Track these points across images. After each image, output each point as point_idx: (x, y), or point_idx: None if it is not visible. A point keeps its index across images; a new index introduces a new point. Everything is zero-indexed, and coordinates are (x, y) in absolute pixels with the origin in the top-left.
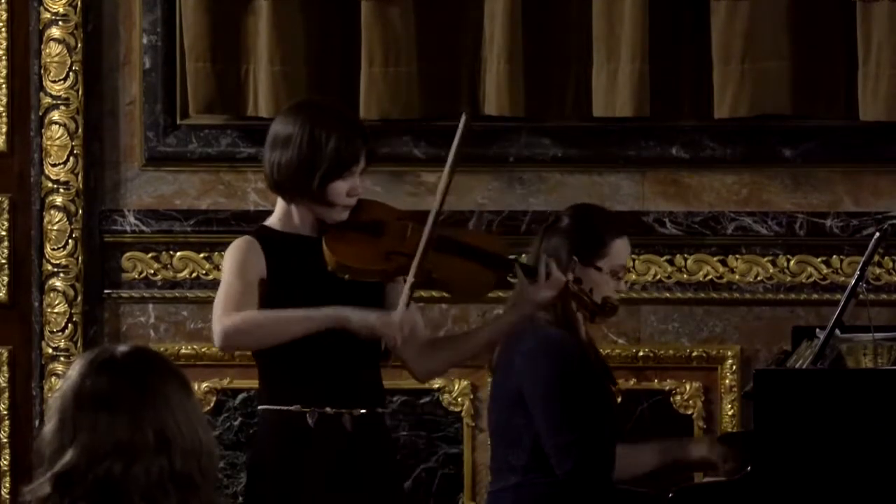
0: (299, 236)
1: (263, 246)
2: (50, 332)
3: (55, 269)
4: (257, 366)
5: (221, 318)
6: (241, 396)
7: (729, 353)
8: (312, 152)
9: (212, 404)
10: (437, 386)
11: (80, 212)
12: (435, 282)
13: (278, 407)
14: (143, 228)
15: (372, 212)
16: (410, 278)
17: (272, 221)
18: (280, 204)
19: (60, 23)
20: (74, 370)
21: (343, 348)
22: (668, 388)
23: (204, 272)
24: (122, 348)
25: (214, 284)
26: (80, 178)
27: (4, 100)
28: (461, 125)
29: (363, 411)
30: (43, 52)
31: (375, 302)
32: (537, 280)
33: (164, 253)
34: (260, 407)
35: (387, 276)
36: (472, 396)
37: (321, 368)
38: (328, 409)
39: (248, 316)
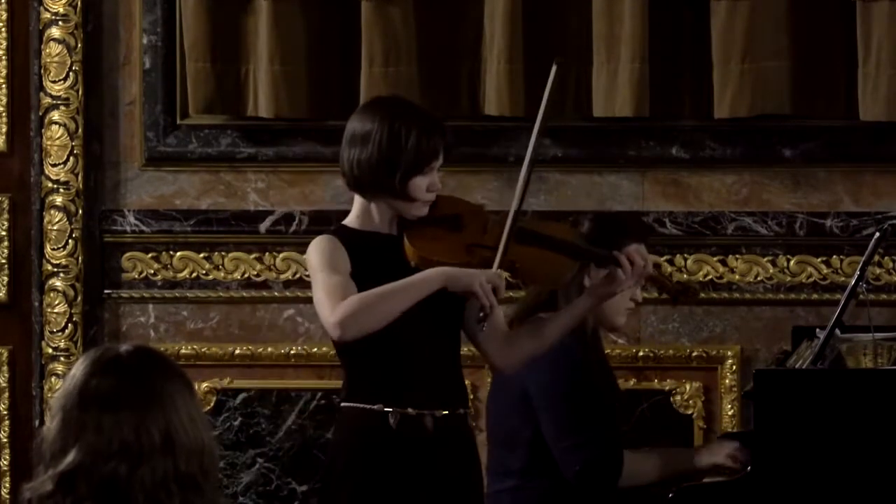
0: (379, 234)
1: (345, 244)
2: (50, 332)
3: (55, 269)
4: (341, 362)
5: (333, 312)
6: (241, 396)
7: (729, 353)
8: (393, 148)
9: (212, 404)
10: None
11: (80, 212)
12: (517, 271)
13: (360, 405)
14: (143, 228)
15: (449, 206)
16: (495, 268)
17: (350, 220)
18: (358, 202)
19: (60, 23)
20: (78, 369)
21: (427, 348)
22: (668, 388)
23: (204, 272)
24: (126, 347)
25: (214, 284)
26: (80, 178)
27: (4, 100)
28: (552, 76)
29: (445, 412)
30: (43, 52)
31: (457, 297)
32: (621, 266)
33: (164, 253)
34: (342, 403)
35: (470, 268)
36: (472, 396)
37: (404, 368)
38: (410, 410)
39: (356, 300)
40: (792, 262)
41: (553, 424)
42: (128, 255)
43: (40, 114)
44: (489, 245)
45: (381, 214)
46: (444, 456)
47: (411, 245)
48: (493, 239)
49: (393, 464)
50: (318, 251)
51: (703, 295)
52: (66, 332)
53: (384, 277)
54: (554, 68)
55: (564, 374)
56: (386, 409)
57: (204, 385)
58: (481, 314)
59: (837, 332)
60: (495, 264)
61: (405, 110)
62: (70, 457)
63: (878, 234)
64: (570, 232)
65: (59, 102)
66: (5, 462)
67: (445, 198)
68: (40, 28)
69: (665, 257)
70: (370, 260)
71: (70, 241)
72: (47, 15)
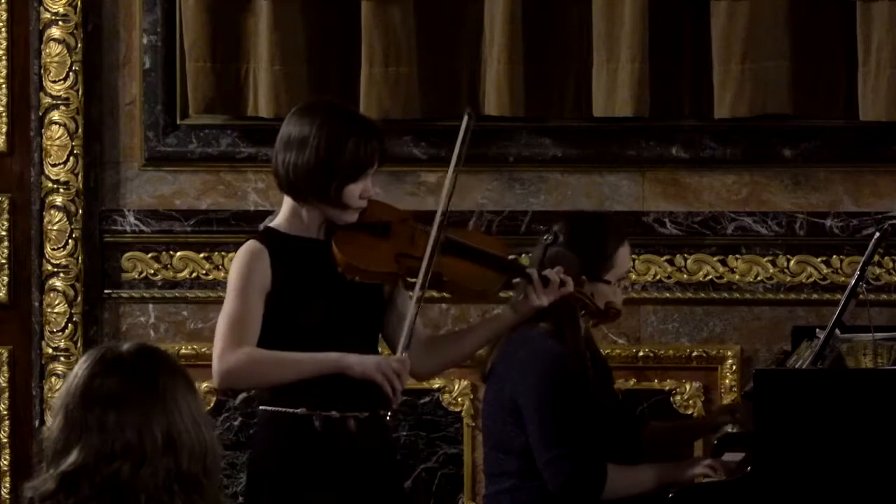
0: (307, 239)
1: (270, 251)
2: (50, 332)
3: (55, 269)
4: None
5: (221, 359)
6: (241, 396)
7: (729, 353)
8: (330, 154)
9: (212, 404)
10: (437, 386)
11: (80, 212)
12: (444, 284)
13: (283, 409)
14: (143, 228)
15: (378, 213)
16: (418, 290)
17: (278, 223)
18: (288, 204)
19: (60, 23)
20: (80, 369)
21: (345, 351)
22: (668, 388)
23: (204, 272)
24: (128, 347)
25: (214, 284)
26: (80, 178)
27: (4, 100)
28: (464, 125)
29: (367, 414)
30: (43, 52)
31: (380, 303)
32: (545, 283)
33: (164, 253)
34: (261, 407)
35: (396, 278)
36: (472, 396)
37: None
38: (334, 413)
39: (248, 358)
40: (792, 262)
41: (538, 435)
42: (128, 255)
43: (40, 114)
44: (417, 255)
45: (311, 219)
46: (367, 456)
47: (339, 251)
48: (420, 249)
49: (319, 466)
50: (236, 266)
51: (703, 295)
52: (66, 332)
53: (312, 283)
54: (466, 119)
55: (552, 385)
56: (310, 413)
57: (204, 385)
58: (387, 399)
59: (837, 332)
60: (420, 275)
61: (343, 116)
62: (73, 456)
63: (878, 234)
64: (496, 244)
65: (59, 102)
66: (5, 462)
67: (376, 203)
68: (40, 28)
69: (665, 257)
70: (298, 265)
71: (70, 241)
72: (47, 15)
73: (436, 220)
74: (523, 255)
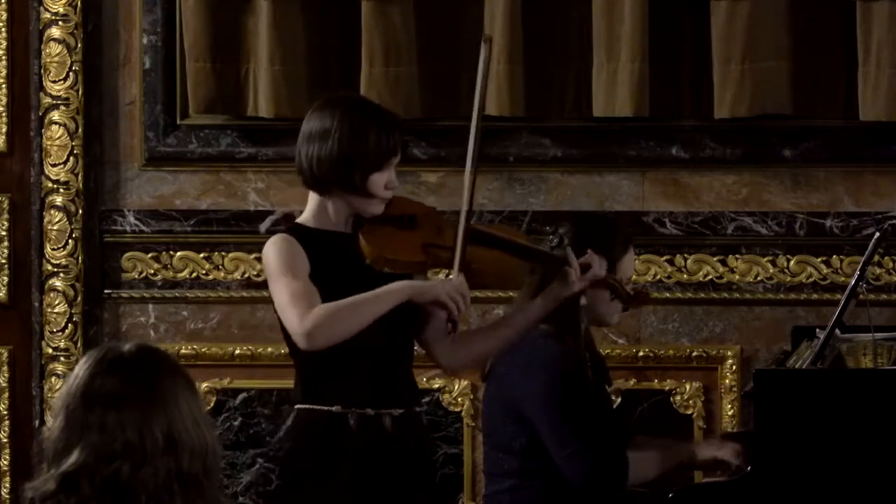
0: (334, 232)
1: (302, 243)
2: (50, 332)
3: (55, 269)
4: (294, 364)
5: (301, 322)
6: (241, 396)
7: (729, 353)
8: (353, 144)
9: (212, 404)
10: (437, 386)
11: (80, 212)
12: (472, 273)
13: (318, 407)
14: (143, 228)
15: (403, 206)
16: (456, 269)
17: (305, 219)
18: (313, 200)
19: (60, 23)
20: (81, 369)
21: (383, 348)
22: (668, 388)
23: (204, 272)
24: (129, 347)
25: (214, 284)
26: (80, 178)
27: (4, 100)
28: (483, 55)
29: (401, 411)
30: (43, 52)
31: (412, 302)
32: (573, 269)
33: (164, 253)
34: (296, 406)
35: (425, 267)
36: (472, 396)
37: (361, 369)
38: (369, 411)
39: (325, 311)
40: (792, 262)
41: (552, 435)
42: (128, 255)
43: (40, 114)
44: (444, 245)
45: (338, 212)
46: (402, 454)
47: (367, 242)
48: (448, 239)
49: (354, 464)
50: (276, 253)
51: (703, 295)
52: (66, 332)
53: (341, 276)
54: (483, 47)
55: (557, 383)
56: (345, 410)
57: (204, 385)
58: (449, 324)
59: (837, 332)
60: (456, 264)
61: (364, 107)
62: (73, 456)
63: (878, 234)
64: (521, 234)
65: (59, 102)
66: (5, 462)
67: (399, 198)
68: (40, 28)
69: (665, 257)
70: (327, 259)
71: (70, 241)
72: (47, 15)
73: (463, 211)
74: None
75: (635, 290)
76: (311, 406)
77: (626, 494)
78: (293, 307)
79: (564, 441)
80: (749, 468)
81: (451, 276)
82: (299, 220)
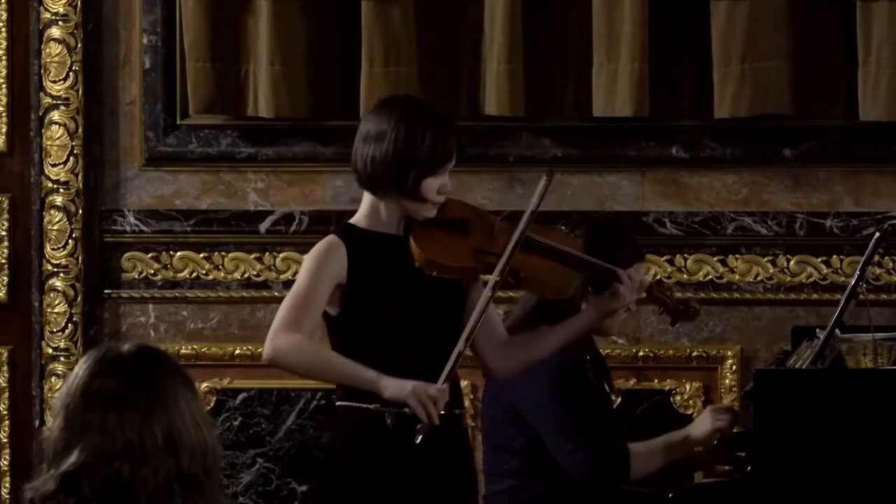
0: (386, 234)
1: (348, 246)
2: (50, 332)
3: (55, 269)
4: None
5: (277, 335)
6: (241, 396)
7: (729, 353)
8: (408, 148)
9: (212, 404)
10: None
11: (80, 212)
12: (521, 280)
13: (357, 404)
14: (143, 228)
15: (457, 210)
16: (495, 277)
17: (358, 219)
18: (367, 200)
19: (60, 23)
20: (81, 369)
21: (424, 349)
22: (668, 388)
23: (204, 272)
24: (129, 347)
25: (214, 284)
26: (80, 178)
27: (4, 100)
28: (541, 185)
29: (441, 412)
30: (43, 52)
31: (457, 299)
32: (621, 282)
33: (164, 253)
34: (338, 402)
35: (475, 273)
36: (472, 396)
37: (400, 367)
38: (406, 410)
39: (297, 347)
40: (792, 262)
41: (553, 433)
42: (128, 255)
43: (40, 114)
44: (495, 252)
45: (390, 214)
46: (439, 456)
47: (418, 246)
48: (499, 246)
49: (390, 463)
50: (312, 258)
51: (702, 295)
52: (66, 332)
53: (386, 277)
54: (544, 179)
55: (557, 381)
56: (383, 409)
57: (204, 385)
58: (418, 426)
59: (837, 332)
60: (497, 270)
61: (421, 111)
62: (73, 457)
63: (878, 234)
64: (575, 243)
65: (59, 102)
66: (5, 462)
67: (454, 201)
68: (40, 28)
69: (665, 257)
70: (376, 260)
71: (70, 241)
72: (47, 15)
73: (523, 219)
74: None
75: (685, 305)
76: (350, 403)
77: (626, 494)
78: (284, 314)
79: (566, 437)
80: (748, 469)
81: (439, 382)
82: (352, 220)
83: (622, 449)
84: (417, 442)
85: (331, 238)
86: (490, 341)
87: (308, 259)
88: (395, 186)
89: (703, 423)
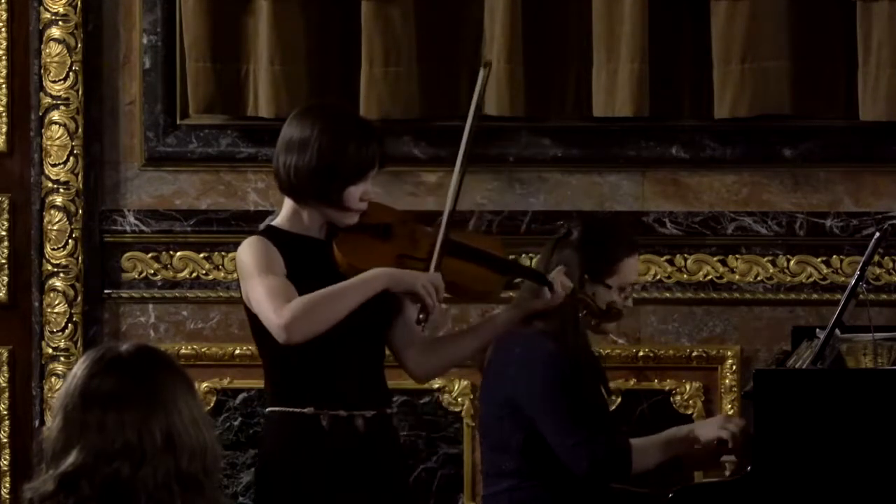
0: (309, 238)
1: (276, 246)
2: (50, 332)
3: (55, 269)
4: (264, 367)
5: (277, 314)
6: (241, 396)
7: (729, 353)
8: (331, 157)
9: (212, 404)
10: (437, 386)
11: (80, 212)
12: (449, 285)
13: (290, 409)
14: (143, 228)
15: (379, 214)
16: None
17: (279, 222)
18: (288, 205)
19: (60, 23)
20: (79, 369)
21: (355, 349)
22: (668, 388)
23: (204, 272)
24: (127, 347)
25: (214, 284)
26: (80, 178)
27: (4, 100)
28: (481, 76)
29: (373, 412)
30: (43, 52)
31: (387, 305)
32: (549, 286)
33: (164, 253)
34: (268, 409)
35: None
36: (472, 396)
37: (332, 370)
38: (342, 412)
39: (302, 303)
40: (792, 262)
41: (553, 428)
42: (128, 255)
43: (40, 114)
44: (419, 257)
45: (312, 220)
46: (374, 455)
47: (340, 252)
48: (423, 251)
49: (328, 465)
50: (251, 252)
51: (703, 295)
52: (66, 332)
53: (315, 281)
54: (482, 71)
55: (556, 378)
56: (318, 412)
57: (204, 385)
58: (421, 315)
59: (837, 332)
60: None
61: (343, 119)
62: (72, 457)
63: (878, 234)
64: (497, 245)
65: (59, 102)
66: (5, 462)
67: (376, 205)
68: (40, 28)
69: (665, 257)
70: (301, 263)
71: (70, 241)
72: (47, 15)
73: (443, 223)
74: (523, 255)
75: (609, 306)
76: (283, 408)
77: (626, 494)
78: (269, 301)
79: (567, 432)
80: (749, 468)
81: (430, 268)
82: (273, 223)
83: (623, 443)
84: (423, 329)
85: (258, 237)
86: (410, 345)
87: (248, 256)
88: (317, 196)
89: (710, 427)
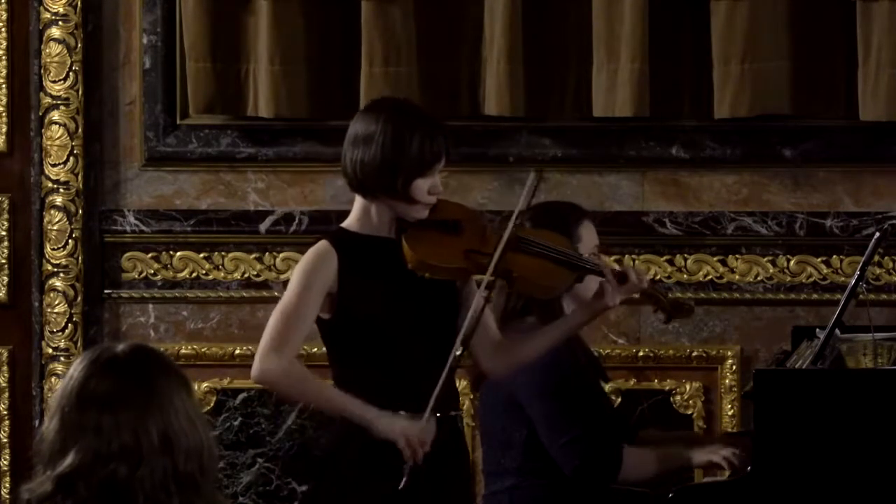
0: (377, 238)
1: (340, 252)
2: (50, 332)
3: (55, 269)
4: (331, 366)
5: (267, 354)
6: (241, 396)
7: (729, 353)
8: (396, 150)
9: (212, 404)
10: None
11: (80, 212)
12: (514, 280)
13: None
14: (143, 228)
15: (449, 210)
16: (487, 277)
17: (350, 223)
18: (358, 203)
19: (60, 23)
20: (76, 370)
21: (421, 351)
22: (668, 388)
23: (204, 272)
24: (123, 347)
25: (214, 284)
26: (80, 178)
27: (4, 100)
28: (529, 182)
29: (439, 415)
30: (43, 52)
31: (451, 300)
32: (621, 281)
33: (164, 253)
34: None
35: (466, 274)
36: (472, 396)
37: (399, 372)
38: (403, 414)
39: (285, 373)
40: (792, 262)
41: (546, 424)
42: (128, 255)
43: (40, 114)
44: (487, 252)
45: (381, 216)
46: (438, 458)
47: (410, 248)
48: (491, 246)
49: (393, 466)
50: (303, 265)
51: (702, 295)
52: (66, 332)
53: (379, 280)
54: (532, 177)
55: (550, 373)
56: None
57: (204, 385)
58: (404, 466)
59: (837, 332)
60: (489, 271)
61: (408, 112)
62: (69, 458)
63: (878, 234)
64: (566, 242)
65: (59, 102)
66: (5, 462)
67: (445, 202)
68: (40, 28)
69: (665, 257)
70: (368, 264)
71: (70, 241)
72: (47, 15)
73: (511, 218)
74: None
75: (678, 303)
76: None
77: (626, 494)
78: (273, 331)
79: (559, 430)
80: (749, 468)
81: (424, 416)
82: (344, 224)
83: (615, 450)
84: (401, 485)
85: (321, 245)
86: (484, 343)
87: (298, 271)
88: (385, 189)
89: (706, 455)
